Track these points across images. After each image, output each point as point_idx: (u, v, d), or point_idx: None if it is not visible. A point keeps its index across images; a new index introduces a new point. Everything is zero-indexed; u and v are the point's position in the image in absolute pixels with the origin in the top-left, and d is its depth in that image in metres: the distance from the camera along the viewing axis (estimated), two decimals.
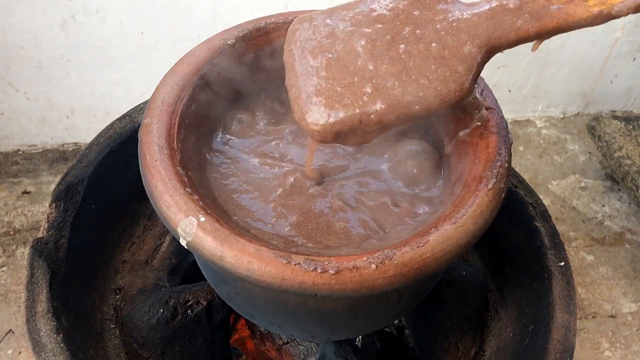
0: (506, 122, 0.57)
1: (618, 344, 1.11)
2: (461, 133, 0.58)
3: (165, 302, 0.70)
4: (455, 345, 0.75)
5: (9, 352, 1.02)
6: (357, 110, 0.49)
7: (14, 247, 1.15)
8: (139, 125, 0.56)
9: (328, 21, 0.53)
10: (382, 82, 0.50)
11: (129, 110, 0.81)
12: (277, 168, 0.60)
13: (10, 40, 1.12)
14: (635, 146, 1.27)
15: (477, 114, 0.57)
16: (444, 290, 0.74)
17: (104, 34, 1.14)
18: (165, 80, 0.58)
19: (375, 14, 0.52)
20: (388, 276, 0.47)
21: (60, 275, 0.67)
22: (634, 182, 1.20)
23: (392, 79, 0.50)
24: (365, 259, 0.47)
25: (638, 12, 0.46)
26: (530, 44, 0.53)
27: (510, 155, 0.55)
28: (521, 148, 1.44)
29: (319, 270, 0.46)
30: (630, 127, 1.31)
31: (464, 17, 0.50)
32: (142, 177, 0.52)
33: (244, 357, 0.87)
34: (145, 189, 0.52)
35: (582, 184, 1.37)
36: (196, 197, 0.50)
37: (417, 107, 0.49)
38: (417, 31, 0.51)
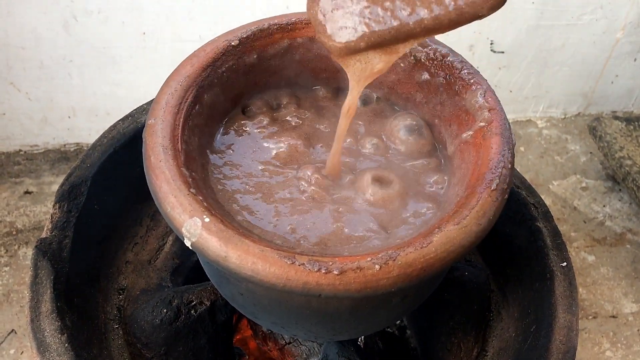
0: (509, 123, 0.57)
1: (619, 344, 1.11)
2: (464, 134, 0.58)
3: (168, 302, 0.70)
4: (458, 345, 0.75)
5: (12, 351, 1.02)
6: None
7: (16, 247, 1.15)
8: (142, 126, 0.56)
9: None
10: None
11: (132, 111, 0.81)
12: (279, 168, 0.60)
13: (12, 41, 1.12)
14: (636, 147, 1.27)
15: (480, 115, 0.58)
16: (446, 291, 0.74)
17: (105, 35, 1.14)
18: (170, 81, 0.58)
19: None
20: (392, 276, 0.47)
21: (64, 275, 0.68)
22: (634, 182, 1.20)
23: None
24: (369, 259, 0.47)
25: None
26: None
27: (513, 156, 0.55)
28: (522, 148, 1.44)
29: (323, 271, 0.46)
30: (632, 127, 1.32)
31: None
32: (146, 178, 0.53)
33: (247, 357, 0.87)
34: (150, 189, 0.52)
35: (583, 185, 1.38)
36: (200, 198, 0.50)
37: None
38: None
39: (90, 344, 0.68)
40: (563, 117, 1.52)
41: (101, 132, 0.79)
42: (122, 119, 0.80)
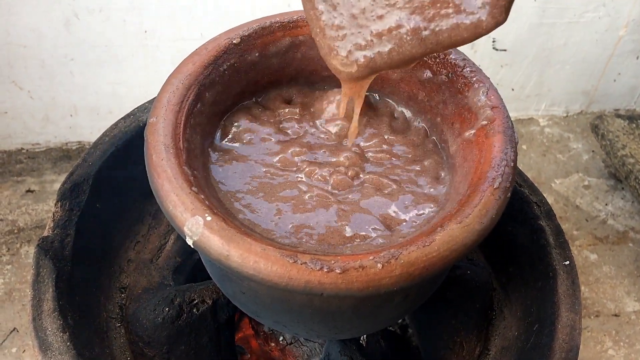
0: (511, 121, 0.57)
1: (621, 343, 1.11)
2: (467, 133, 0.58)
3: (170, 300, 0.70)
4: (460, 344, 0.75)
5: (13, 350, 1.02)
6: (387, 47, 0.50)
7: (18, 245, 1.15)
8: (144, 125, 0.56)
9: None
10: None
11: (134, 109, 0.81)
12: (281, 167, 0.60)
13: (14, 39, 1.12)
14: (638, 145, 1.27)
15: (482, 113, 0.57)
16: (449, 290, 0.74)
17: (107, 33, 1.14)
18: (171, 79, 0.58)
19: None
20: (394, 275, 0.47)
21: (66, 274, 0.68)
22: (637, 180, 1.20)
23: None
24: (371, 258, 0.47)
25: None
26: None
27: (516, 154, 0.55)
28: (524, 147, 1.44)
29: (325, 270, 0.46)
30: (634, 125, 1.31)
31: None
32: (148, 176, 0.53)
33: (249, 355, 0.87)
34: (152, 188, 0.52)
35: (586, 183, 1.37)
36: (202, 197, 0.50)
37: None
38: None
39: (92, 343, 0.68)
40: (565, 115, 1.52)
41: (103, 131, 0.79)
42: (124, 118, 0.80)
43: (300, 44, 0.65)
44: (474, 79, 0.60)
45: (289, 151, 0.61)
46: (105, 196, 0.76)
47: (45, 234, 0.70)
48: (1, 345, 1.02)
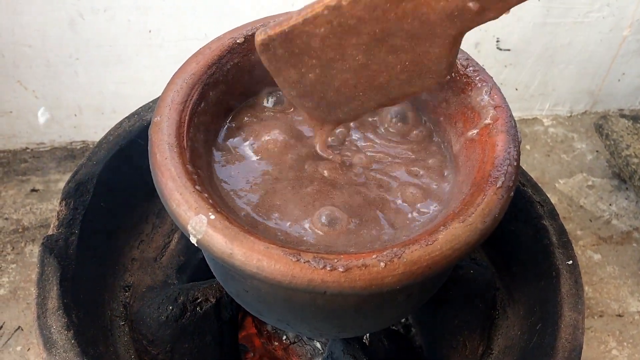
0: (515, 121, 0.57)
1: (625, 343, 1.11)
2: (470, 132, 0.58)
3: (174, 299, 0.70)
4: (463, 343, 0.75)
5: (18, 348, 1.02)
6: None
7: (22, 244, 1.15)
8: (148, 124, 0.56)
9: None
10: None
11: (138, 109, 0.82)
12: (285, 166, 0.60)
13: (19, 39, 1.13)
14: None
15: (485, 112, 0.57)
16: (452, 289, 0.74)
17: (111, 33, 1.14)
18: (175, 79, 0.58)
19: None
20: (397, 274, 0.47)
21: (70, 272, 0.68)
22: None
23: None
24: (374, 256, 0.47)
25: None
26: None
27: (519, 154, 0.55)
28: (528, 146, 1.44)
29: (328, 268, 0.46)
30: (638, 125, 1.31)
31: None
32: (152, 175, 0.53)
33: (252, 354, 0.87)
34: (155, 187, 0.52)
35: (590, 183, 1.37)
36: (206, 195, 0.50)
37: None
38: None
39: (96, 341, 0.68)
40: (569, 115, 1.52)
41: (107, 130, 0.79)
42: (128, 117, 0.80)
43: None
44: (477, 78, 0.60)
45: (292, 150, 0.61)
46: (109, 195, 0.76)
47: (50, 232, 0.70)
48: (6, 343, 1.03)
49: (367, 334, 0.81)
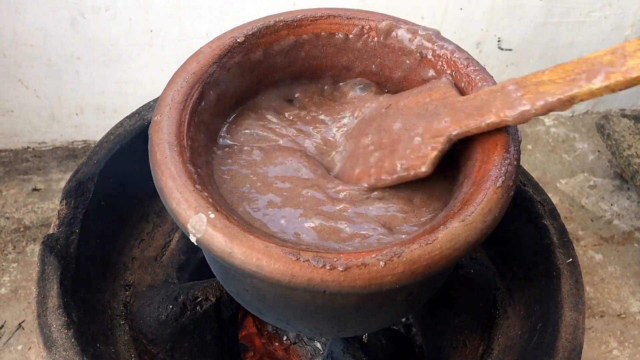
0: None
1: (626, 343, 1.11)
2: None
3: (174, 298, 0.70)
4: (463, 343, 0.75)
5: (19, 347, 1.03)
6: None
7: (24, 243, 1.16)
8: (149, 123, 0.56)
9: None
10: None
11: (139, 108, 0.82)
12: (284, 165, 0.60)
13: (20, 38, 1.13)
14: None
15: None
16: (452, 288, 0.74)
17: (113, 32, 1.14)
18: (175, 78, 0.58)
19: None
20: (396, 273, 0.47)
21: (70, 271, 0.68)
22: None
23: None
24: (373, 256, 0.47)
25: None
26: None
27: (519, 153, 0.54)
28: (530, 146, 1.43)
29: (328, 267, 0.46)
30: None
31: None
32: (152, 174, 0.53)
33: (252, 353, 0.87)
34: (155, 186, 0.52)
35: (591, 183, 1.37)
36: (206, 194, 0.50)
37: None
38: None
39: (97, 340, 0.68)
40: (571, 115, 1.52)
41: (108, 129, 0.79)
42: (129, 116, 0.81)
43: (304, 42, 0.65)
44: (478, 77, 0.60)
45: (292, 150, 0.61)
46: (110, 194, 0.76)
47: (51, 231, 0.70)
48: (7, 342, 1.03)
49: (367, 334, 0.81)
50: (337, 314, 0.57)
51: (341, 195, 0.57)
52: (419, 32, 0.63)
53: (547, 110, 0.50)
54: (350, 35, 0.65)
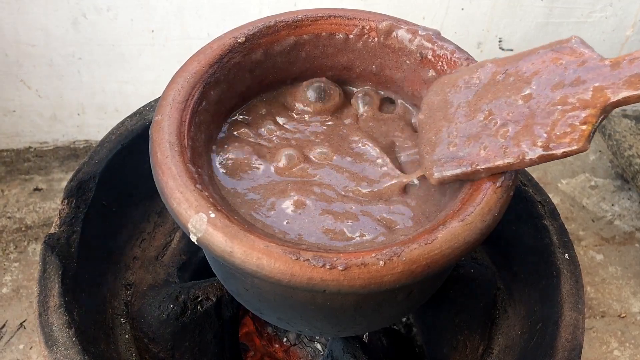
0: None
1: (627, 344, 1.11)
2: None
3: (175, 297, 0.71)
4: (464, 342, 0.75)
5: (21, 346, 1.03)
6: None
7: (25, 243, 1.16)
8: (150, 123, 0.56)
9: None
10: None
11: (140, 108, 0.82)
12: (284, 165, 0.60)
13: (22, 38, 1.13)
14: None
15: None
16: (453, 288, 0.74)
17: (114, 32, 1.15)
18: (176, 78, 0.59)
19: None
20: (396, 273, 0.47)
21: (72, 270, 0.68)
22: None
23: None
24: (373, 255, 0.47)
25: None
26: None
27: None
28: None
29: (328, 267, 0.47)
30: None
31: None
32: (153, 174, 0.53)
33: (252, 352, 0.87)
34: (156, 185, 0.53)
35: (592, 183, 1.37)
36: (206, 194, 0.51)
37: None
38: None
39: (98, 339, 0.68)
40: None
41: (110, 129, 0.79)
42: (130, 116, 0.81)
43: (304, 43, 0.65)
44: None
45: (293, 150, 0.61)
46: (111, 194, 0.76)
47: (52, 231, 0.70)
48: (9, 341, 1.03)
49: (367, 333, 0.81)
50: (337, 313, 0.57)
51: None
52: (419, 32, 0.64)
53: None
54: (351, 36, 0.65)
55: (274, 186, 0.58)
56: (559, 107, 0.49)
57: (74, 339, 0.62)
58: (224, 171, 0.59)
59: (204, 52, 0.61)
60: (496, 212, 0.51)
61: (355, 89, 0.69)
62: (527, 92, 0.51)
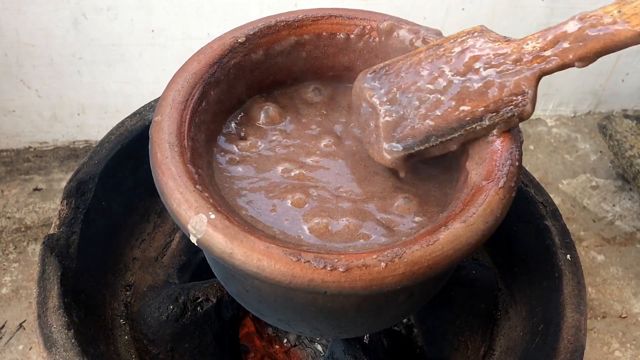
0: None
1: (628, 344, 1.11)
2: None
3: (175, 298, 0.70)
4: (465, 344, 0.75)
5: (20, 347, 1.03)
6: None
7: (25, 243, 1.16)
8: (150, 123, 0.56)
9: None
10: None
11: (140, 108, 0.82)
12: (285, 166, 0.60)
13: (22, 38, 1.13)
14: None
15: None
16: (454, 289, 0.73)
17: (115, 32, 1.14)
18: (176, 78, 0.58)
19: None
20: (397, 274, 0.47)
21: (71, 271, 0.68)
22: None
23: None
24: (374, 256, 0.47)
25: None
26: None
27: (521, 154, 0.54)
28: (531, 147, 1.43)
29: (329, 268, 0.46)
30: None
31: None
32: (152, 175, 0.53)
33: (252, 353, 0.87)
34: (156, 186, 0.52)
35: (593, 184, 1.37)
36: (206, 195, 0.50)
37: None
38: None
39: (97, 340, 0.68)
40: (573, 115, 1.51)
41: (110, 129, 0.79)
42: (130, 116, 0.80)
43: (305, 43, 0.65)
44: None
45: (293, 150, 0.61)
46: (111, 194, 0.76)
47: (51, 231, 0.70)
48: (8, 342, 1.03)
49: (368, 334, 0.81)
50: (338, 314, 0.56)
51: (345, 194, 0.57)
52: (421, 32, 0.63)
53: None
54: (352, 36, 0.65)
55: (275, 186, 0.57)
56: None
57: (73, 340, 0.62)
58: (225, 171, 0.58)
59: (204, 52, 0.61)
60: (498, 214, 0.50)
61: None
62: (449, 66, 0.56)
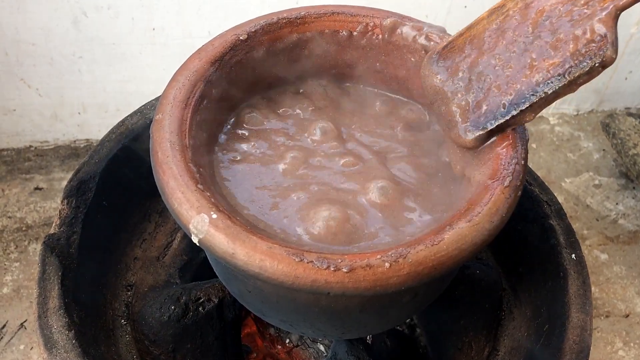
0: None
1: (632, 344, 1.10)
2: None
3: (176, 299, 0.70)
4: (469, 344, 0.75)
5: (21, 347, 1.02)
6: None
7: (26, 243, 1.15)
8: (151, 122, 0.55)
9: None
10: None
11: (141, 107, 0.81)
12: (287, 164, 0.59)
13: (23, 37, 1.12)
14: None
15: None
16: (458, 289, 0.73)
17: (115, 31, 1.14)
18: (177, 76, 0.58)
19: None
20: (402, 275, 0.46)
21: (72, 271, 0.67)
22: None
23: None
24: (378, 257, 0.46)
25: None
26: None
27: (526, 152, 0.54)
28: (534, 145, 1.43)
29: (332, 269, 0.46)
30: None
31: None
32: (153, 174, 0.52)
33: (255, 354, 0.86)
34: (157, 185, 0.52)
35: (596, 182, 1.36)
36: (208, 194, 0.50)
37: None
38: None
39: (98, 341, 0.68)
40: (576, 113, 1.51)
41: (111, 128, 0.79)
42: (131, 115, 0.80)
43: (307, 40, 0.65)
44: None
45: (295, 149, 0.60)
46: (111, 194, 0.76)
47: (52, 231, 0.69)
48: (9, 342, 1.02)
49: (371, 335, 0.80)
50: (341, 315, 0.56)
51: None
52: (424, 29, 0.63)
53: None
54: (355, 33, 0.65)
55: (277, 185, 0.57)
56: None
57: (73, 341, 0.61)
58: (226, 170, 0.58)
59: (205, 50, 0.60)
60: (504, 213, 0.50)
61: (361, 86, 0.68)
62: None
